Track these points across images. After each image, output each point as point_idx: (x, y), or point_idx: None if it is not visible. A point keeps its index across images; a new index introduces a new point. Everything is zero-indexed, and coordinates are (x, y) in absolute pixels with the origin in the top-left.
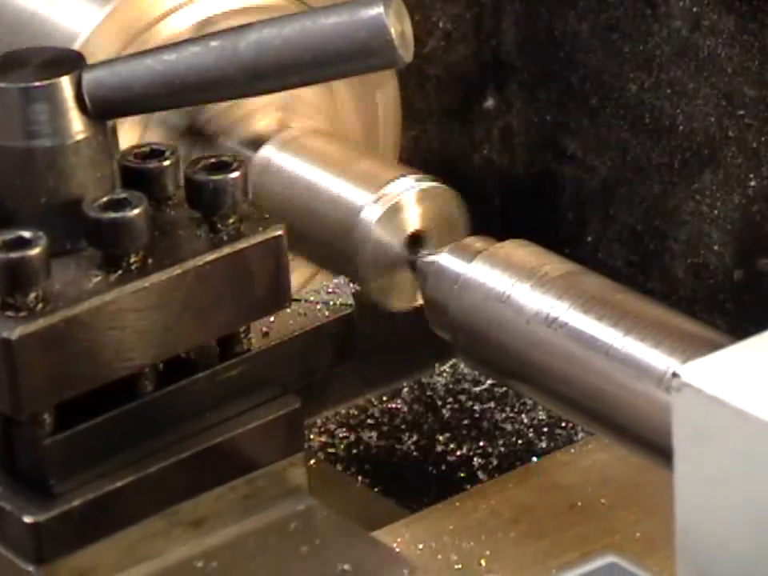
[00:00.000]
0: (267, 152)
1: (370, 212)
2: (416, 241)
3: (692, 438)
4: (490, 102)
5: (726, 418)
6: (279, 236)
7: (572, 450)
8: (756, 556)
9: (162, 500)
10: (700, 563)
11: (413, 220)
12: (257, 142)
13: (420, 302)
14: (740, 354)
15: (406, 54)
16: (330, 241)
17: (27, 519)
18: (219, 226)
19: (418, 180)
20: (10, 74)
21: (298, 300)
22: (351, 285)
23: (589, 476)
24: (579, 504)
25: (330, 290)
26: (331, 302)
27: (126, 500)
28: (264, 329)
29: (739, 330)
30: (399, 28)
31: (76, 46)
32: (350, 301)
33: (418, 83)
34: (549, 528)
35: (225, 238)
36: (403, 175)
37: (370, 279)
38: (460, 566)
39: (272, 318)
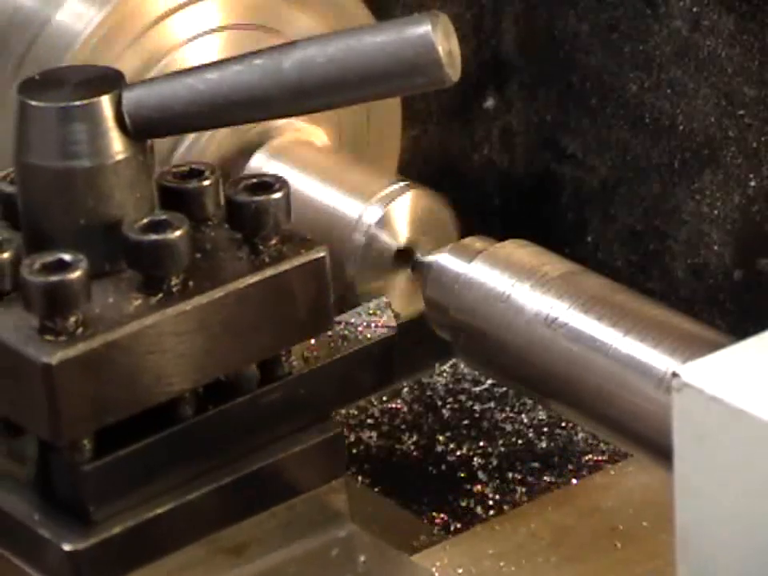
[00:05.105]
0: (258, 161)
1: (366, 218)
2: (408, 247)
3: (692, 438)
4: (489, 102)
5: (726, 417)
6: (322, 258)
7: (612, 472)
8: (756, 556)
9: (202, 527)
10: (700, 562)
11: (404, 227)
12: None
13: (419, 308)
14: (740, 353)
15: (454, 72)
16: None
17: (66, 547)
18: (261, 247)
19: (408, 187)
20: (49, 93)
21: (339, 322)
22: (392, 307)
23: (630, 499)
24: (621, 527)
25: (371, 312)
26: (373, 324)
27: (166, 527)
28: (305, 352)
29: (739, 330)
30: (447, 46)
31: (76, 46)
32: (393, 323)
33: None
34: (590, 552)
35: (266, 259)
36: (394, 182)
37: (365, 282)
38: None
39: (313, 341)
